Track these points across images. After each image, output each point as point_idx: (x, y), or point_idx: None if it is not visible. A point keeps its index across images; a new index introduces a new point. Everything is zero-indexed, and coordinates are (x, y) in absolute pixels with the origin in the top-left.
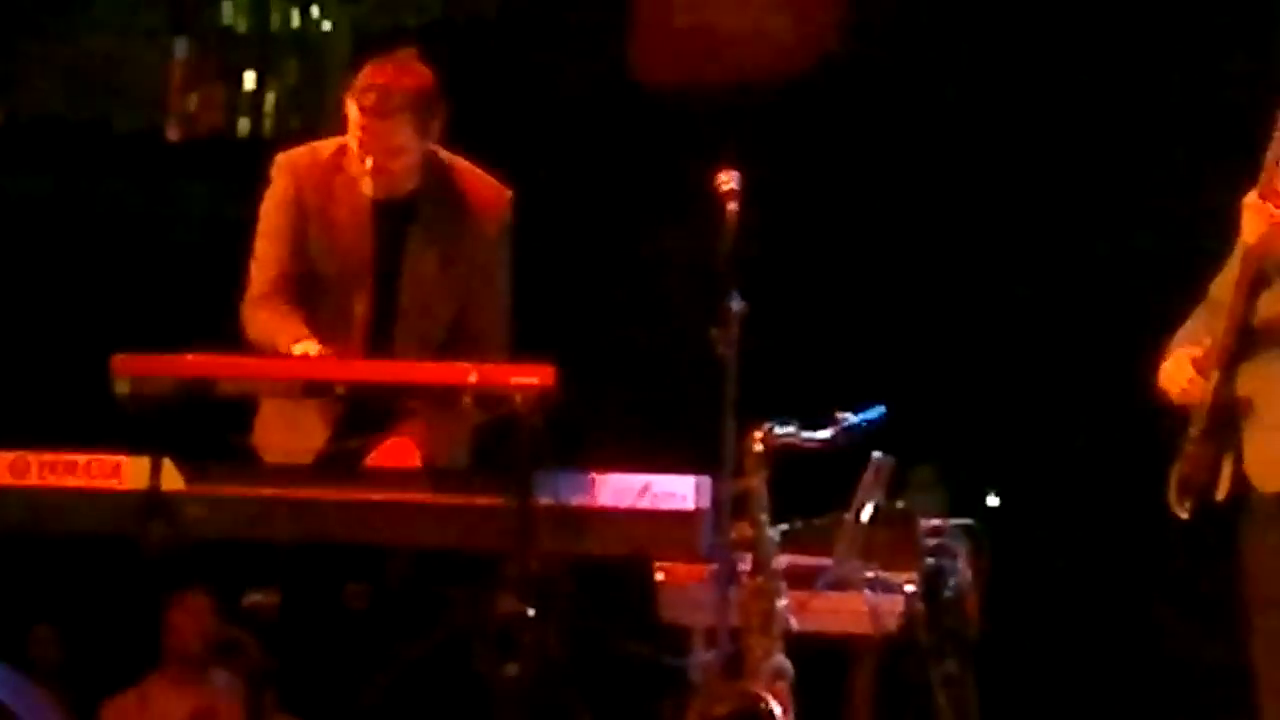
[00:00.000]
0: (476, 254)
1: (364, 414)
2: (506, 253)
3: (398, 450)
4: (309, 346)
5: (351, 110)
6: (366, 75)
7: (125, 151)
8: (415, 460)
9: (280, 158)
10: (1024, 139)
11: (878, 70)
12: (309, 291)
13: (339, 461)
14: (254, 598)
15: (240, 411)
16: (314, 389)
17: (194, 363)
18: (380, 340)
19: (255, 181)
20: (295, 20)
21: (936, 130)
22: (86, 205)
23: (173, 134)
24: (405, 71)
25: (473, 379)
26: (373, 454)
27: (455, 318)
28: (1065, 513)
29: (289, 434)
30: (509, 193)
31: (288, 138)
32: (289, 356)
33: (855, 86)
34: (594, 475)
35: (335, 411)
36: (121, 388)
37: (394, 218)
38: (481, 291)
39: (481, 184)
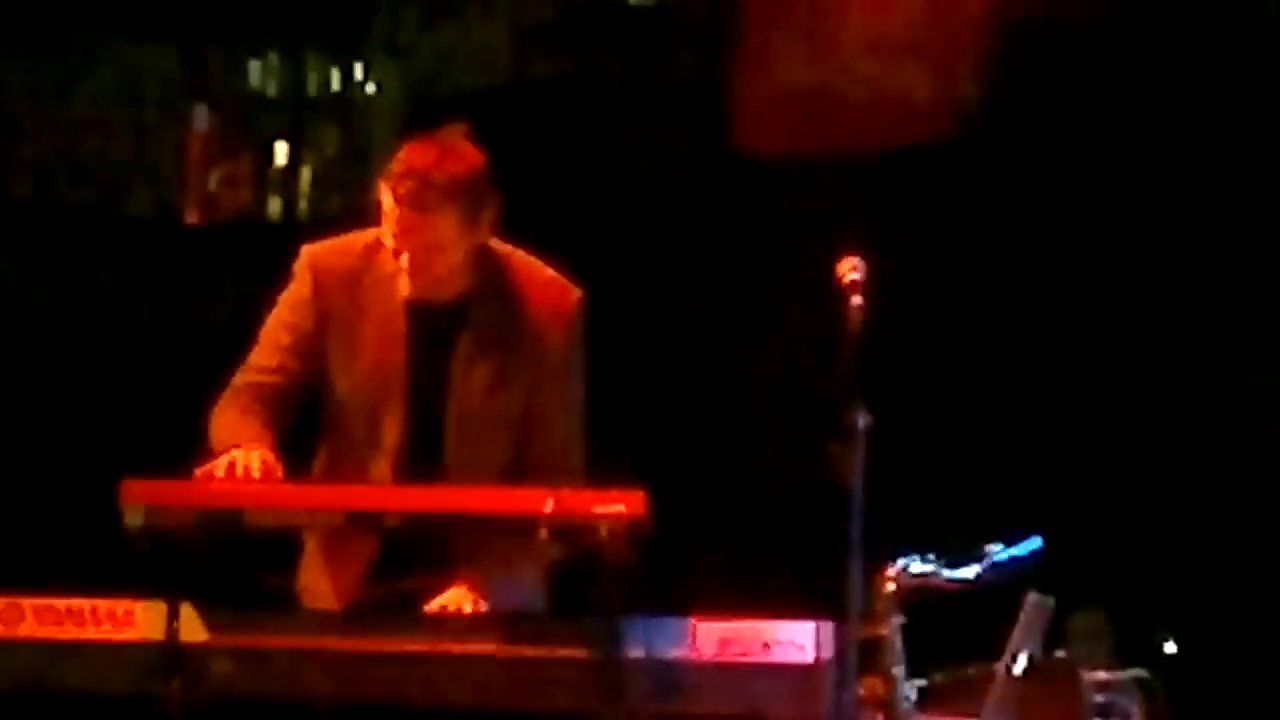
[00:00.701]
0: (540, 367)
1: (405, 553)
2: (578, 363)
3: (455, 597)
4: (241, 454)
5: (386, 199)
6: (404, 159)
7: (136, 239)
8: (476, 607)
9: (304, 252)
10: (1197, 216)
11: (1025, 136)
12: (331, 423)
13: (382, 607)
14: None
15: (275, 548)
16: (359, 520)
17: (217, 489)
18: (423, 473)
19: (286, 273)
20: (335, 82)
21: (1101, 211)
22: (90, 302)
23: (192, 217)
24: (449, 155)
25: (549, 508)
26: (428, 603)
27: (517, 444)
28: (1252, 660)
29: (331, 576)
30: (579, 292)
31: (326, 221)
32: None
33: (999, 156)
34: (694, 622)
35: (369, 550)
36: (133, 519)
37: (435, 325)
38: (548, 411)
39: (545, 282)
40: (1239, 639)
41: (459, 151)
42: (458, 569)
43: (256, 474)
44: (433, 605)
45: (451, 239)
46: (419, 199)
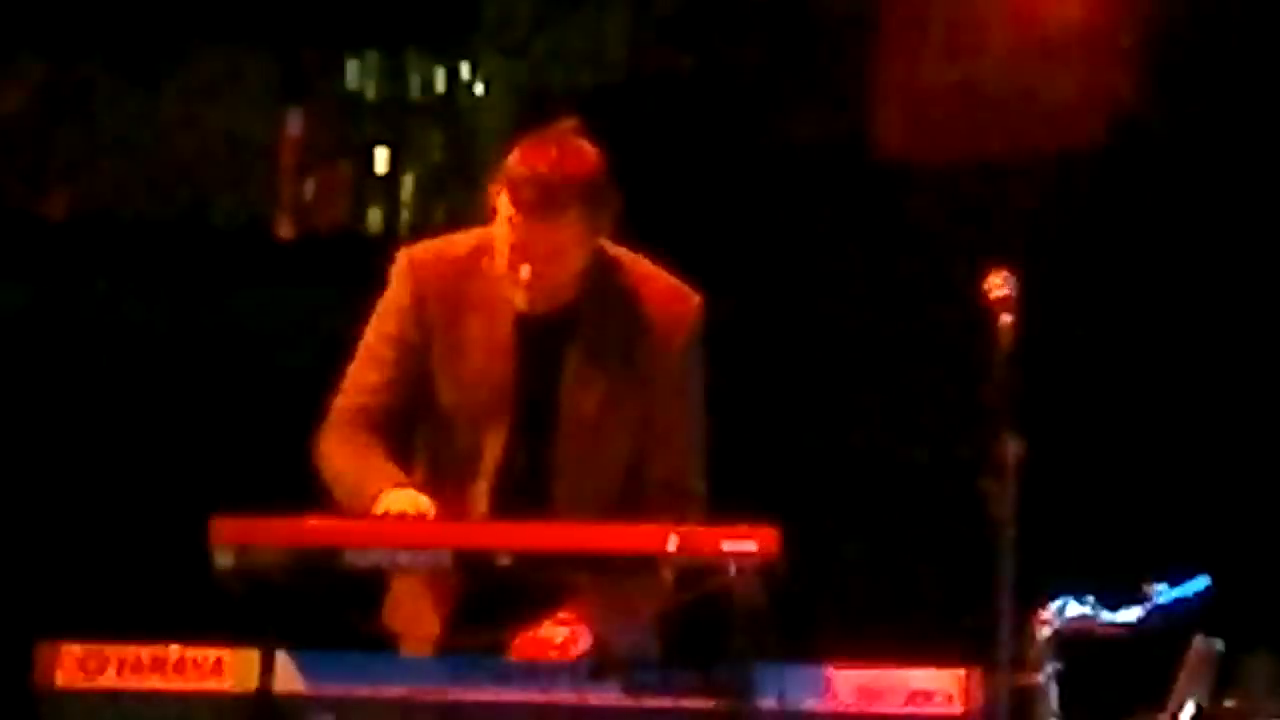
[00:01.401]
0: (657, 380)
1: (495, 592)
2: (697, 376)
3: (557, 637)
4: (404, 498)
5: (503, 206)
6: (521, 161)
7: (224, 253)
8: (580, 650)
9: (402, 254)
10: None
11: (1191, 136)
12: (431, 434)
13: (478, 651)
14: None
15: (365, 589)
16: (468, 560)
17: (315, 528)
18: (525, 495)
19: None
20: (439, 83)
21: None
22: (175, 321)
23: (284, 229)
24: (569, 154)
25: (674, 546)
26: (520, 642)
27: (631, 464)
28: None
29: (426, 616)
30: (698, 299)
31: (431, 233)
32: (373, 515)
33: (1161, 158)
34: (830, 670)
35: (455, 588)
36: (223, 560)
37: (546, 336)
38: (664, 428)
39: (663, 289)
40: None
41: (578, 149)
42: (563, 607)
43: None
44: (527, 636)
45: (574, 244)
46: (542, 204)
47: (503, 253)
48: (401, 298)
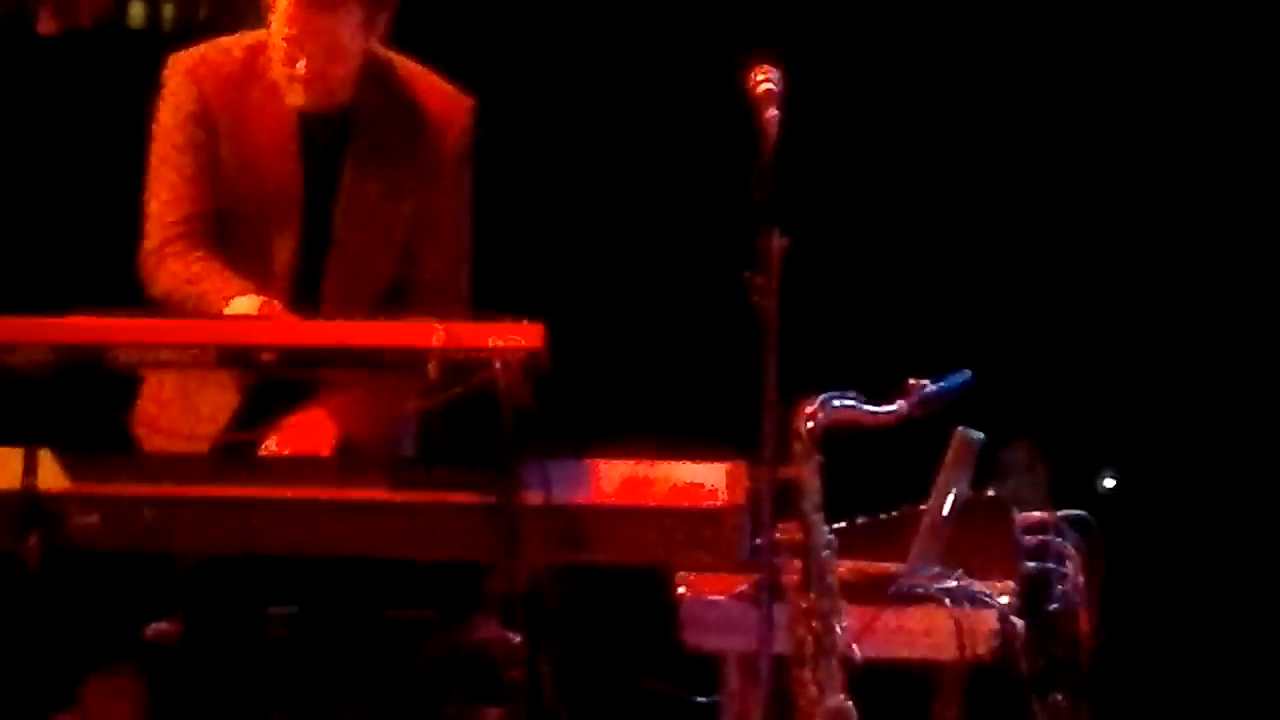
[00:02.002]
0: (429, 180)
1: (275, 390)
2: (467, 178)
3: (308, 429)
4: (250, 303)
5: (280, 2)
6: None
7: None
8: (328, 442)
9: (176, 59)
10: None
11: None
12: (217, 238)
13: (249, 450)
14: (158, 627)
15: (119, 386)
16: (233, 357)
17: (80, 326)
18: (306, 294)
19: (152, 87)
20: None
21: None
22: None
23: (45, 25)
24: None
25: (439, 340)
26: (276, 436)
27: (400, 261)
28: (1199, 496)
29: (183, 416)
30: (470, 101)
31: (195, 30)
32: (219, 318)
33: None
34: (596, 464)
35: (238, 387)
36: None
37: (326, 135)
38: (435, 227)
39: (436, 92)
40: (1180, 475)
41: None
42: (316, 400)
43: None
44: (280, 430)
45: (352, 40)
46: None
47: (279, 48)
48: (184, 104)
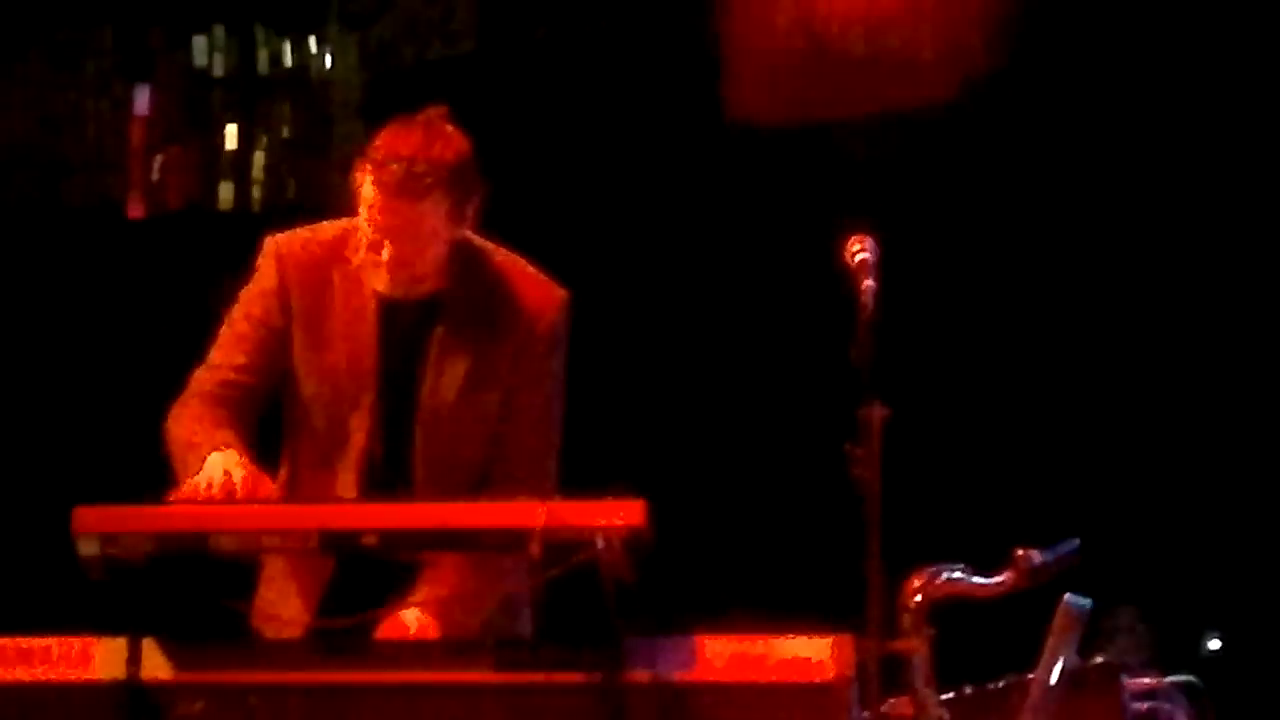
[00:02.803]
0: (518, 368)
1: (361, 576)
2: (559, 367)
3: (410, 623)
4: (223, 461)
5: (366, 188)
6: (387, 144)
7: (75, 232)
8: (433, 630)
9: (269, 241)
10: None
11: (1044, 94)
12: (294, 422)
13: (350, 634)
14: None
15: (236, 574)
16: (334, 540)
17: (178, 512)
18: (385, 482)
19: (243, 266)
20: (287, 57)
21: (1138, 173)
22: (26, 303)
23: (135, 209)
24: (437, 138)
25: (541, 519)
26: (382, 627)
27: (487, 450)
28: None
29: (287, 600)
30: (563, 293)
31: (282, 209)
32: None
33: (1019, 119)
34: (700, 640)
35: (322, 573)
36: (87, 548)
37: (408, 322)
38: (524, 417)
39: (527, 282)
40: None
41: (445, 135)
42: (413, 591)
43: (238, 478)
44: (383, 624)
45: (438, 229)
46: (405, 186)
47: (365, 233)
48: (267, 282)
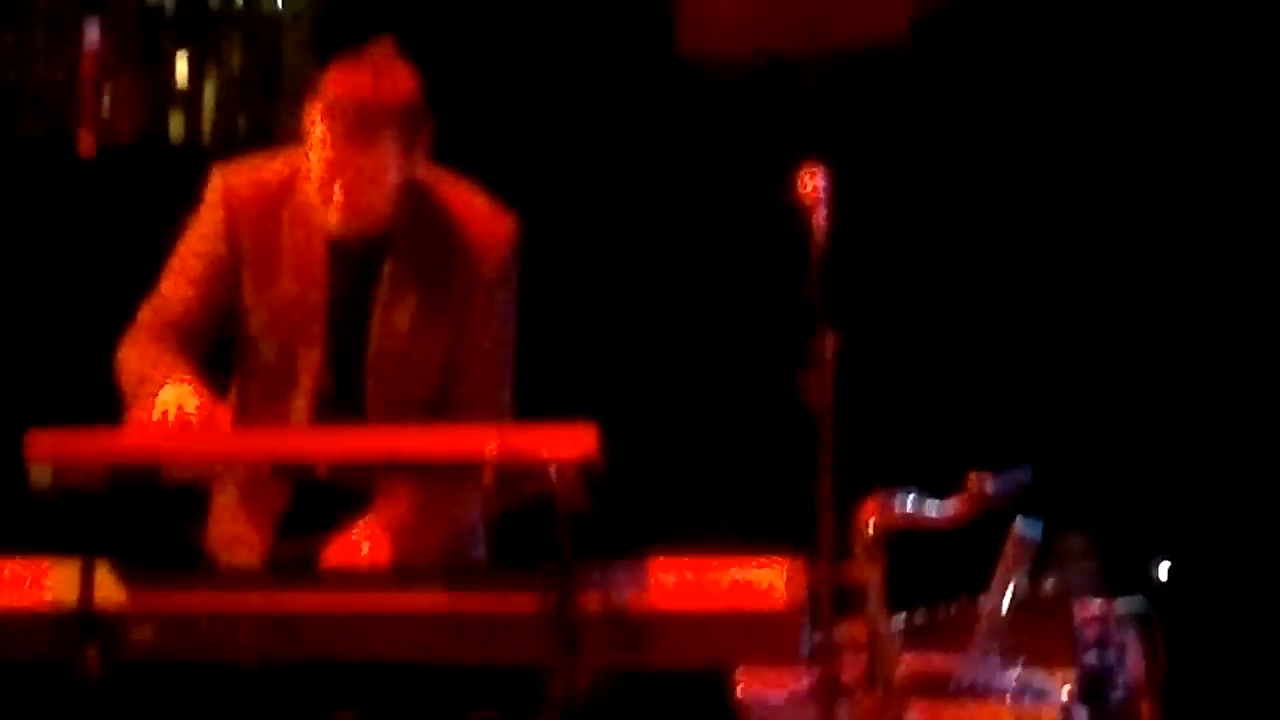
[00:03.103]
0: (469, 301)
1: (324, 498)
2: (510, 298)
3: (364, 541)
4: (177, 392)
5: (317, 130)
6: (337, 83)
7: (26, 165)
8: (384, 555)
9: (216, 173)
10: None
11: (999, 31)
12: (242, 356)
13: (304, 558)
14: None
15: (187, 499)
16: (287, 469)
17: (134, 441)
18: (341, 415)
19: (192, 199)
20: None
21: (1085, 103)
22: None
23: (86, 145)
24: (385, 78)
25: (493, 449)
26: (332, 548)
27: (440, 383)
28: (1250, 584)
29: (248, 527)
30: (514, 223)
31: (232, 143)
32: (158, 419)
33: (964, 49)
34: (653, 566)
35: (280, 499)
36: (40, 476)
37: (358, 259)
38: (475, 349)
39: (476, 211)
40: (1235, 562)
41: (394, 73)
42: (368, 513)
43: (193, 410)
44: (334, 545)
45: (389, 170)
46: (355, 128)
47: (316, 173)
48: (214, 215)
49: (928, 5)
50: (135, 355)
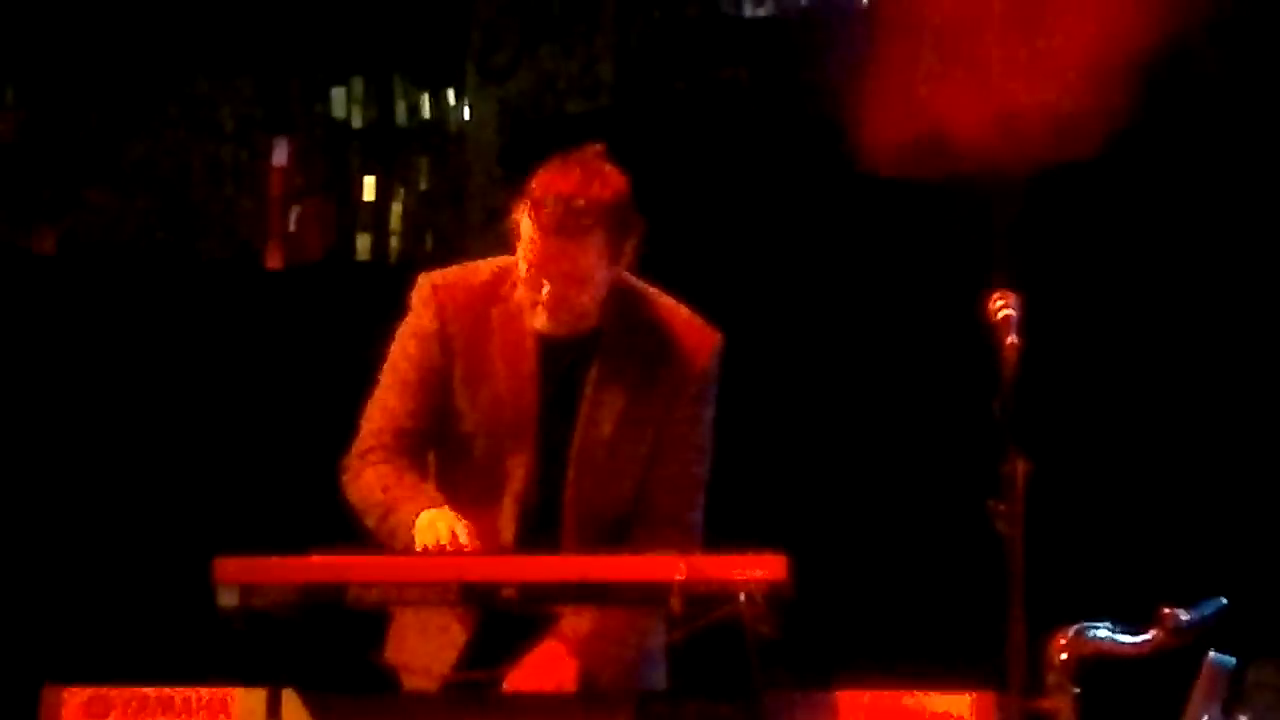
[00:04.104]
0: (672, 409)
1: (504, 627)
2: (709, 411)
3: (549, 664)
4: (442, 519)
5: (525, 226)
6: (545, 182)
7: (214, 283)
8: (570, 677)
9: (424, 280)
10: None
11: (1188, 148)
12: (450, 457)
13: (487, 684)
14: None
15: (371, 624)
16: (476, 593)
17: (319, 564)
18: (541, 519)
19: (380, 317)
20: (426, 109)
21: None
22: (166, 352)
23: (273, 260)
24: (596, 177)
25: (682, 574)
26: (517, 671)
27: (635, 493)
28: None
29: (428, 649)
30: (718, 336)
31: (420, 260)
32: (416, 550)
33: (1158, 173)
34: (841, 696)
35: (466, 624)
36: (227, 599)
37: (567, 357)
38: (673, 458)
39: (683, 323)
40: None
41: (603, 173)
42: (552, 633)
43: (463, 535)
44: (518, 669)
45: (596, 267)
46: (564, 224)
47: (524, 272)
48: (425, 323)
49: (1120, 124)
50: (372, 476)
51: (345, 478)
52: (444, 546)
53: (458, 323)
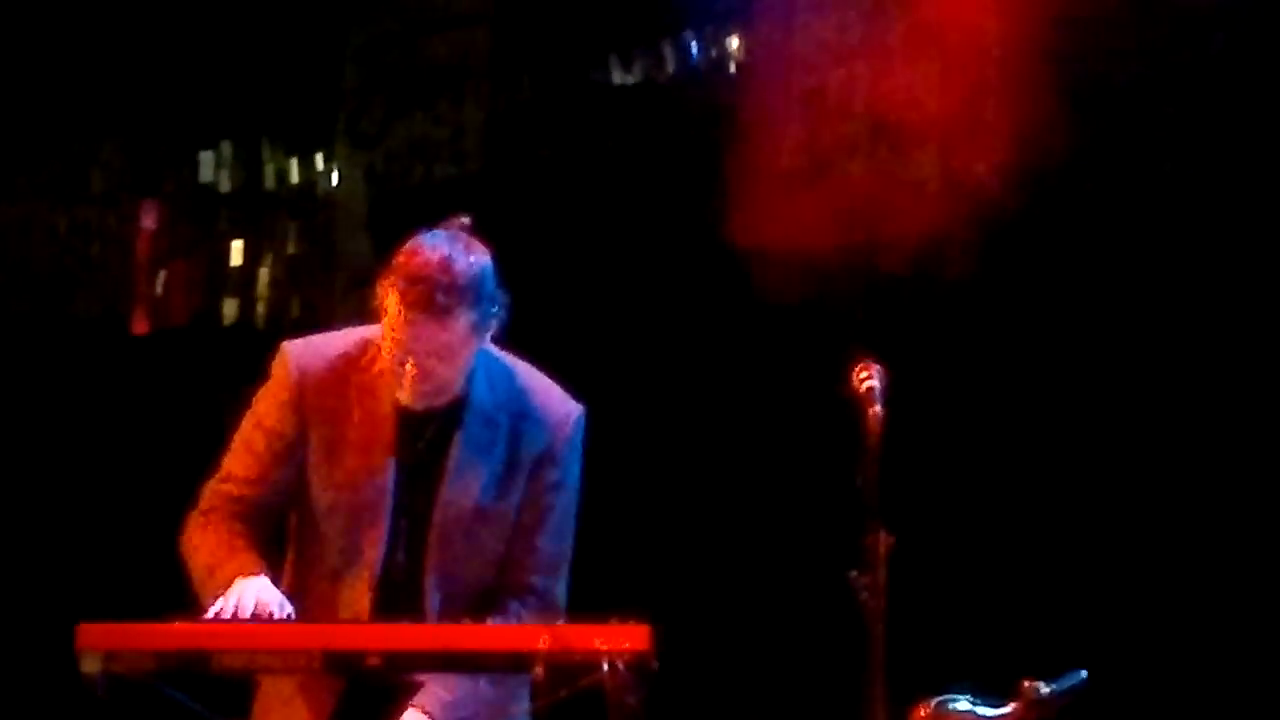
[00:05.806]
0: (535, 482)
1: (369, 694)
2: (574, 482)
3: None
4: (251, 588)
5: (391, 304)
6: (411, 259)
7: (80, 346)
8: None
9: (284, 349)
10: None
11: (1055, 223)
12: (308, 529)
13: None
14: None
15: (236, 690)
16: (338, 662)
17: (182, 631)
18: (401, 592)
19: (247, 381)
20: (294, 174)
21: (1148, 300)
22: (29, 415)
23: (140, 324)
24: (461, 255)
25: (545, 644)
26: None
27: (498, 566)
28: None
29: (293, 717)
30: (580, 407)
31: (287, 324)
32: (231, 614)
33: (1023, 247)
34: None
35: (331, 691)
36: (89, 665)
37: (428, 432)
38: (536, 530)
39: (546, 394)
40: None
41: (469, 250)
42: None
43: (271, 611)
44: None
45: (461, 344)
46: (430, 305)
47: (388, 348)
48: (280, 391)
49: (985, 201)
50: (206, 540)
51: (184, 534)
52: (237, 614)
53: (315, 393)
